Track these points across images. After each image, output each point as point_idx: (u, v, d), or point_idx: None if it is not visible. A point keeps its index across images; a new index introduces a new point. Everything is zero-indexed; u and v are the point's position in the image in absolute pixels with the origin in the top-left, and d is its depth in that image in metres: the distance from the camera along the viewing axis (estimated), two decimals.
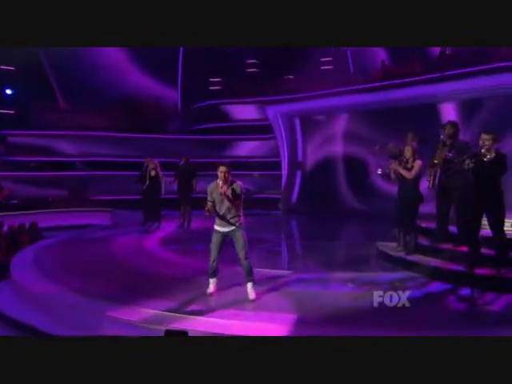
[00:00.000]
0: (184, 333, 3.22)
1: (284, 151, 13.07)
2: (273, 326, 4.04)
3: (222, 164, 4.67)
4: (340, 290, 5.08)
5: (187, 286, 5.36)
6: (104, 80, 13.89)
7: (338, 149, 12.44)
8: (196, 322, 4.18)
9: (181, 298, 4.84)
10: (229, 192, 4.58)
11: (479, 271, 4.89)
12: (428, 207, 6.10)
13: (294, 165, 13.09)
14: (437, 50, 11.28)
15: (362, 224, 10.35)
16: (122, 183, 12.50)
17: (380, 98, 11.01)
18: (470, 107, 9.80)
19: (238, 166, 10.25)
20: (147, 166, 9.65)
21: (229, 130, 14.56)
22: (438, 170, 5.68)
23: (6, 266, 6.64)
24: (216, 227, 4.83)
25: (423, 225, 6.41)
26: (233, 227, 4.72)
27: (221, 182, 4.58)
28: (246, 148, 14.45)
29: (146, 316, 4.36)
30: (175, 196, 10.01)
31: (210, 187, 4.74)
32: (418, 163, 5.84)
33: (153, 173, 9.46)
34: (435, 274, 5.26)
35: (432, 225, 6.18)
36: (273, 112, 12.79)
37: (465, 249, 5.17)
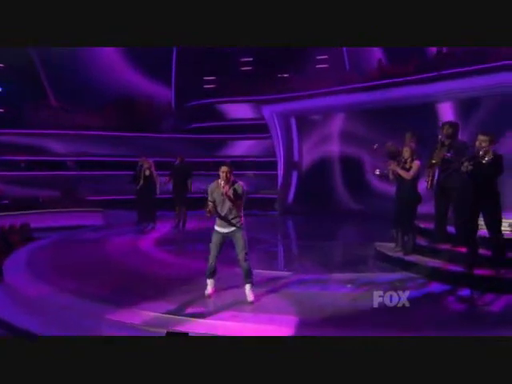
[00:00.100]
0: (185, 334, 3.25)
1: (280, 151, 13.09)
2: (272, 327, 4.07)
3: (224, 164, 4.66)
4: (339, 291, 5.13)
5: (184, 287, 5.38)
6: (96, 78, 13.83)
7: (334, 148, 12.48)
8: (195, 324, 4.20)
9: (178, 299, 4.86)
10: (230, 192, 4.58)
11: (478, 272, 4.96)
12: (426, 207, 6.17)
13: (290, 165, 13.11)
14: (433, 49, 11.37)
15: (359, 224, 10.42)
16: (114, 183, 12.49)
17: (377, 97, 11.06)
18: (467, 106, 9.90)
19: (233, 166, 10.27)
20: (141, 166, 9.65)
21: (224, 129, 14.57)
22: (437, 171, 5.74)
23: None
24: (216, 228, 4.84)
25: (421, 225, 6.47)
26: (233, 228, 4.73)
27: (222, 182, 4.57)
28: (242, 147, 14.46)
29: (144, 318, 4.37)
30: (170, 196, 10.02)
31: (211, 187, 4.73)
32: (416, 164, 5.91)
33: (147, 172, 9.46)
34: (434, 274, 5.33)
35: (430, 225, 6.25)
36: (268, 111, 12.80)
37: (463, 249, 5.24)
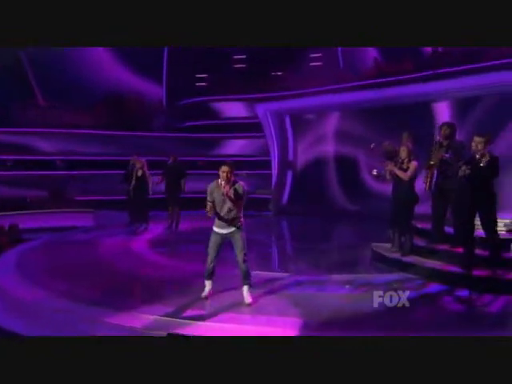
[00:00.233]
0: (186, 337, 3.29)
1: (274, 150, 13.12)
2: (271, 329, 4.11)
3: (225, 164, 4.65)
4: (337, 292, 5.20)
5: (180, 289, 5.42)
6: (86, 76, 13.77)
7: (329, 148, 12.54)
8: (193, 326, 4.23)
9: (175, 302, 4.89)
10: (231, 193, 4.60)
11: (476, 272, 5.06)
12: (423, 207, 6.27)
13: (285, 164, 13.15)
14: (429, 48, 11.50)
15: (355, 225, 10.49)
16: (105, 183, 12.44)
17: (372, 96, 11.16)
18: (463, 106, 10.04)
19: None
20: (133, 165, 9.64)
21: (216, 127, 14.59)
22: (435, 172, 5.83)
23: None
24: (215, 228, 4.84)
25: (418, 225, 6.57)
26: (232, 229, 4.75)
27: (223, 183, 4.58)
28: (235, 146, 14.49)
29: (142, 321, 4.38)
30: (163, 196, 10.03)
31: (211, 187, 4.74)
32: (413, 164, 6.00)
33: (140, 172, 9.46)
34: (432, 275, 5.43)
35: (427, 225, 6.35)
36: (262, 110, 12.82)
37: (461, 250, 5.34)
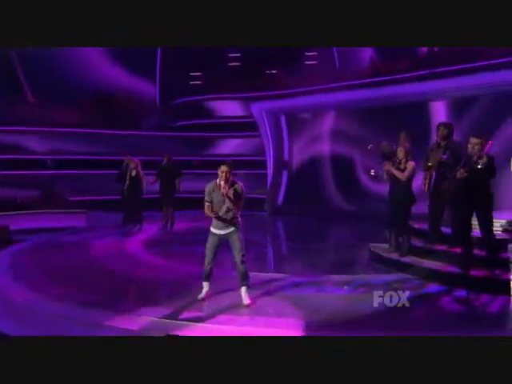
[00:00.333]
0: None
1: (269, 150, 13.17)
2: (269, 330, 4.15)
3: (224, 164, 4.66)
4: (336, 293, 5.25)
5: (177, 291, 5.44)
6: (77, 73, 13.71)
7: (325, 147, 12.62)
8: (191, 328, 4.24)
9: (172, 303, 4.90)
10: (231, 193, 4.63)
11: (474, 273, 5.14)
12: (420, 207, 6.34)
13: (280, 164, 13.21)
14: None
15: (351, 225, 10.56)
16: (98, 182, 12.41)
17: (368, 95, 11.24)
18: (460, 105, 10.15)
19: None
20: (127, 165, 9.64)
21: (211, 126, 14.61)
22: (434, 173, 5.89)
23: None
24: (212, 229, 4.86)
25: (416, 226, 6.64)
26: (230, 229, 4.77)
27: (222, 183, 4.60)
28: (229, 146, 14.52)
29: (140, 323, 4.39)
30: (157, 196, 10.04)
31: (209, 187, 4.75)
32: (410, 164, 6.06)
33: (134, 172, 9.46)
34: (430, 275, 5.50)
35: (424, 226, 6.42)
36: (257, 109, 12.86)
37: (459, 250, 5.42)
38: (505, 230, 6.81)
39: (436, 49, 11.34)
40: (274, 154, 13.17)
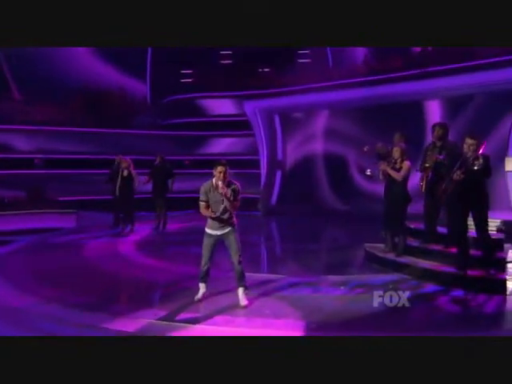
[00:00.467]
0: None
1: (263, 149, 13.21)
2: (267, 331, 4.20)
3: (220, 163, 4.67)
4: (332, 294, 5.31)
5: (172, 292, 5.48)
6: (65, 70, 13.64)
7: (319, 147, 12.69)
8: (188, 330, 4.27)
9: (168, 305, 4.93)
10: (229, 193, 4.66)
11: (471, 273, 5.24)
12: (416, 207, 6.45)
13: (274, 164, 13.25)
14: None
15: (346, 225, 10.63)
16: (87, 182, 12.37)
17: (362, 94, 11.34)
18: (454, 104, 10.29)
19: (213, 164, 10.29)
20: (118, 165, 9.63)
21: (203, 125, 14.62)
22: (430, 174, 5.99)
23: None
24: (208, 230, 4.88)
25: (412, 226, 6.74)
26: (227, 229, 4.80)
27: (220, 183, 4.62)
28: (222, 145, 14.54)
29: (136, 325, 4.41)
30: (150, 196, 10.05)
31: (205, 187, 4.76)
32: (406, 164, 6.16)
33: (125, 172, 9.45)
34: (426, 275, 5.60)
35: (420, 225, 6.52)
36: (251, 108, 12.89)
37: (455, 250, 5.53)
38: (499, 230, 6.97)
39: (430, 48, 11.49)
40: (268, 154, 13.21)
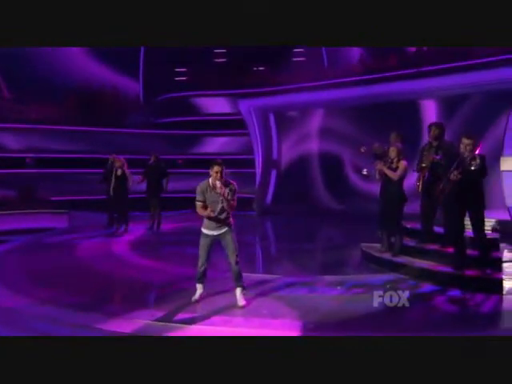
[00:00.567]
0: None
1: (258, 148, 13.23)
2: (265, 331, 4.23)
3: (216, 163, 4.67)
4: (329, 294, 5.36)
5: (168, 293, 5.48)
6: (56, 69, 13.58)
7: (314, 146, 12.73)
8: (186, 330, 4.29)
9: (165, 306, 4.95)
10: (227, 193, 4.68)
11: (468, 272, 5.30)
12: (412, 206, 6.51)
13: (269, 163, 13.27)
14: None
15: (341, 225, 10.69)
16: (79, 182, 12.33)
17: (357, 93, 11.40)
18: (450, 104, 10.38)
19: (207, 164, 10.31)
20: (112, 164, 9.61)
21: (197, 124, 14.61)
22: (427, 174, 6.05)
23: None
24: (204, 230, 4.88)
25: (408, 225, 6.80)
26: (223, 230, 4.81)
27: (218, 183, 4.64)
28: (216, 144, 14.54)
29: (133, 326, 4.42)
30: (144, 196, 10.05)
31: (201, 187, 4.77)
32: (402, 163, 6.22)
33: (119, 172, 9.44)
34: (423, 275, 5.66)
35: (417, 225, 6.58)
36: (246, 106, 12.90)
37: (451, 250, 5.59)
38: (494, 229, 7.04)
39: (425, 48, 11.57)
40: (263, 153, 13.23)
